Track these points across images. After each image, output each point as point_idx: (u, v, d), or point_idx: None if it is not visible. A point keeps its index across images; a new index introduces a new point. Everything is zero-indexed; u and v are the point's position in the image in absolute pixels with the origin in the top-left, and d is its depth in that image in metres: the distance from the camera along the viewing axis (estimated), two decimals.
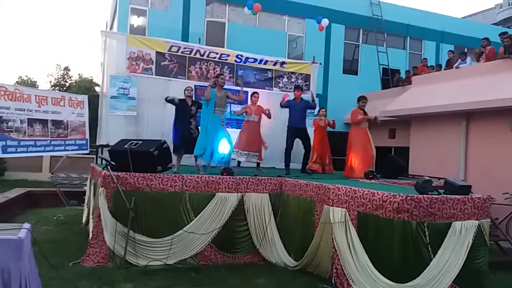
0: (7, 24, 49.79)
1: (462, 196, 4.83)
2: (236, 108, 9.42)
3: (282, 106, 8.21)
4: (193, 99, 7.73)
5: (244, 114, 8.33)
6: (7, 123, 7.34)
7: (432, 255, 4.50)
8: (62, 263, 5.34)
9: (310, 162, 8.83)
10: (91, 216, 6.77)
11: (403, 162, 9.26)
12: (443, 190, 4.98)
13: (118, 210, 5.51)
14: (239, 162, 8.23)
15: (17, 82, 24.18)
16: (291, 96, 8.53)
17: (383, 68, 15.10)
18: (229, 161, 7.16)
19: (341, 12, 15.17)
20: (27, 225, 3.53)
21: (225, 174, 6.31)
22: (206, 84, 9.47)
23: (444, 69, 11.86)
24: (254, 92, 8.63)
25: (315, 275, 5.46)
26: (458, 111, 9.47)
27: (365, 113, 8.16)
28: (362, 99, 8.23)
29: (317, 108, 9.62)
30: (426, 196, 4.62)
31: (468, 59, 10.88)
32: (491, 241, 6.04)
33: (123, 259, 5.41)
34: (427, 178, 5.26)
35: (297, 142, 8.19)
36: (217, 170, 6.70)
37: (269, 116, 8.34)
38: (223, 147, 6.94)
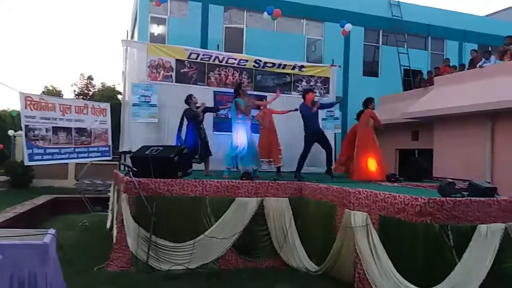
0: (34, 36, 51.46)
1: (487, 198, 4.70)
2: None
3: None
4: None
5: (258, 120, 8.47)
6: (33, 132, 7.56)
7: (457, 259, 4.38)
8: (87, 268, 5.47)
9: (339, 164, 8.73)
10: (114, 222, 6.90)
11: (427, 164, 9.08)
12: (467, 193, 4.86)
13: (140, 215, 5.60)
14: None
15: (43, 91, 24.92)
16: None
17: (404, 69, 14.89)
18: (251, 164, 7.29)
19: (360, 14, 15.06)
20: (52, 231, 3.64)
21: (244, 178, 6.33)
22: (225, 90, 9.64)
23: (468, 69, 11.61)
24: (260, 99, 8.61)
25: (337, 279, 5.40)
26: (482, 111, 9.24)
27: None
28: (373, 101, 8.12)
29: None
30: (449, 198, 4.51)
31: (493, 58, 10.61)
32: None
33: (145, 263, 5.49)
34: (450, 180, 5.14)
35: (316, 146, 8.11)
36: (237, 175, 6.72)
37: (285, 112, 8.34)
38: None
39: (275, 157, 8.18)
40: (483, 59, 10.68)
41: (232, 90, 9.73)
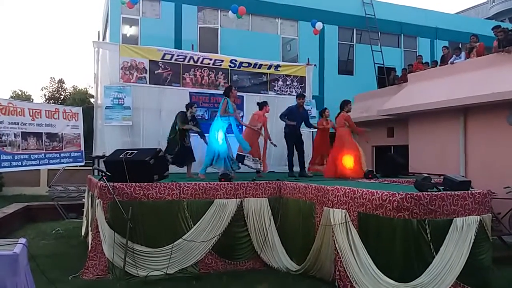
0: (0, 38, 49.80)
1: (462, 192, 4.78)
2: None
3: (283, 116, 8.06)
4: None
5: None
6: (0, 138, 7.27)
7: (434, 253, 4.44)
8: (61, 277, 5.27)
9: (312, 164, 8.78)
10: (89, 228, 6.70)
11: (403, 160, 9.22)
12: (443, 187, 4.93)
13: (115, 221, 5.44)
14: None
15: (11, 96, 24.02)
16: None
17: (378, 67, 15.10)
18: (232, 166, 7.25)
19: (333, 13, 15.20)
20: (22, 240, 3.50)
21: (223, 180, 6.25)
22: (201, 90, 9.55)
23: (439, 65, 11.84)
24: (266, 103, 8.36)
25: (318, 278, 5.40)
26: (455, 106, 9.44)
27: None
28: (349, 104, 8.13)
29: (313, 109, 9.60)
30: (426, 193, 4.56)
31: (463, 54, 10.86)
32: (494, 236, 5.97)
33: (122, 270, 5.33)
34: (426, 175, 5.21)
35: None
36: (215, 176, 6.63)
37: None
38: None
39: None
40: (454, 56, 10.93)
41: (208, 91, 9.77)
